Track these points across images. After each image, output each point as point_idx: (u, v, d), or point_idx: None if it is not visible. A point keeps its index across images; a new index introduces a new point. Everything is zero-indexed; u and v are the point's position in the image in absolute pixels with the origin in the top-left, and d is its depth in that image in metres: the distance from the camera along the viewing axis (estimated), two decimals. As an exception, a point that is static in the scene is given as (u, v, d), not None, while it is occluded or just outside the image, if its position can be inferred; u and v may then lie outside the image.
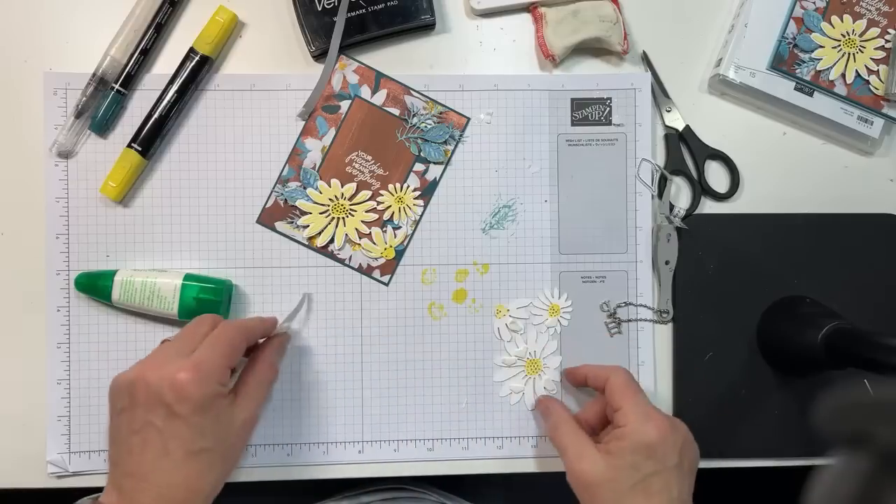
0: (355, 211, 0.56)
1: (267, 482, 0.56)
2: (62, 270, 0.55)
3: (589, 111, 0.57)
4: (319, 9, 0.55)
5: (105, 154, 0.55)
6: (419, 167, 0.57)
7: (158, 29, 0.55)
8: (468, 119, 0.57)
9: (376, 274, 0.57)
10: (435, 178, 0.57)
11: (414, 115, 0.57)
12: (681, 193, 0.59)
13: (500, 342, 0.57)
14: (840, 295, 0.57)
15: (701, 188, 0.58)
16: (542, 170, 0.57)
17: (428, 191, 0.57)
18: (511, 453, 0.57)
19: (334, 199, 0.56)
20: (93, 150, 0.55)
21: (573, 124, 0.57)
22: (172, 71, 0.54)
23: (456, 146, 0.57)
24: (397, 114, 0.57)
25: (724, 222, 0.58)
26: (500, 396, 0.57)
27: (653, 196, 0.58)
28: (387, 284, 0.56)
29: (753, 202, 0.59)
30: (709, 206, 0.59)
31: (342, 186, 0.56)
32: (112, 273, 0.53)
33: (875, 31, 0.58)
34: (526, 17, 0.58)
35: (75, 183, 0.55)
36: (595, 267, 0.57)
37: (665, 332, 0.58)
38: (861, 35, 0.58)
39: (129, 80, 0.55)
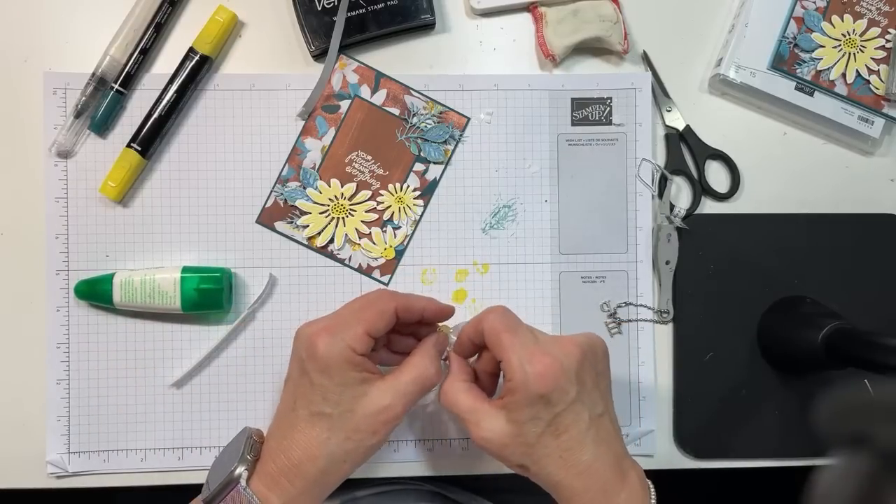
0: (355, 211, 0.56)
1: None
2: (62, 270, 0.55)
3: (589, 111, 0.57)
4: (319, 8, 0.55)
5: (104, 154, 0.55)
6: (419, 167, 0.57)
7: (158, 29, 0.55)
8: (468, 119, 0.57)
9: (376, 274, 0.56)
10: (435, 178, 0.57)
11: (414, 115, 0.57)
12: (681, 193, 0.59)
13: None
14: (840, 295, 0.57)
15: (701, 188, 0.58)
16: (542, 170, 0.57)
17: (428, 190, 0.57)
18: (511, 453, 0.57)
19: (334, 198, 0.56)
20: (92, 150, 0.55)
21: (573, 124, 0.57)
22: (172, 71, 0.54)
23: (456, 146, 0.57)
24: (397, 113, 0.57)
25: (725, 222, 0.58)
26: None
27: (653, 196, 0.58)
28: (387, 284, 0.56)
29: (753, 202, 0.59)
30: (709, 206, 0.59)
31: (342, 186, 0.56)
32: (110, 276, 0.53)
33: (875, 30, 0.58)
34: (526, 17, 0.58)
35: (75, 183, 0.55)
36: (595, 267, 0.57)
37: (665, 332, 0.58)
38: (861, 35, 0.58)
39: (129, 79, 0.55)
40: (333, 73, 0.56)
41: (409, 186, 0.57)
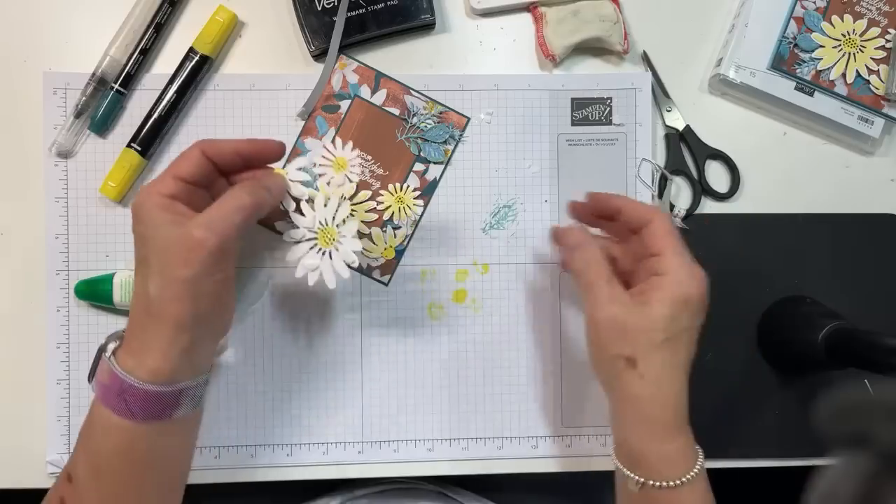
0: (355, 211, 0.56)
1: (267, 482, 0.56)
2: (62, 270, 0.55)
3: (589, 111, 0.57)
4: (319, 8, 0.55)
5: (105, 154, 0.55)
6: (419, 167, 0.57)
7: (158, 29, 0.55)
8: (468, 119, 0.57)
9: (376, 274, 0.56)
10: (435, 178, 0.57)
11: (414, 115, 0.56)
12: (681, 193, 0.59)
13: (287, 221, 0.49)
14: (840, 295, 0.57)
15: (701, 188, 0.58)
16: (542, 170, 0.57)
17: (428, 191, 0.57)
18: (511, 453, 0.57)
19: None
20: (92, 150, 0.55)
21: (573, 124, 0.57)
22: (172, 71, 0.54)
23: (456, 146, 0.57)
24: (397, 113, 0.57)
25: (725, 222, 0.58)
26: (300, 277, 0.49)
27: (653, 196, 0.58)
28: (386, 284, 0.56)
29: (753, 202, 0.59)
30: (709, 206, 0.59)
31: None
32: (110, 276, 0.53)
33: (875, 30, 0.58)
34: (526, 17, 0.58)
35: (75, 183, 0.55)
36: (595, 267, 0.57)
37: (665, 332, 0.58)
38: (861, 35, 0.58)
39: (129, 79, 0.55)
40: (333, 73, 0.56)
41: (409, 186, 0.56)
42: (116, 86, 0.54)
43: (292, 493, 0.64)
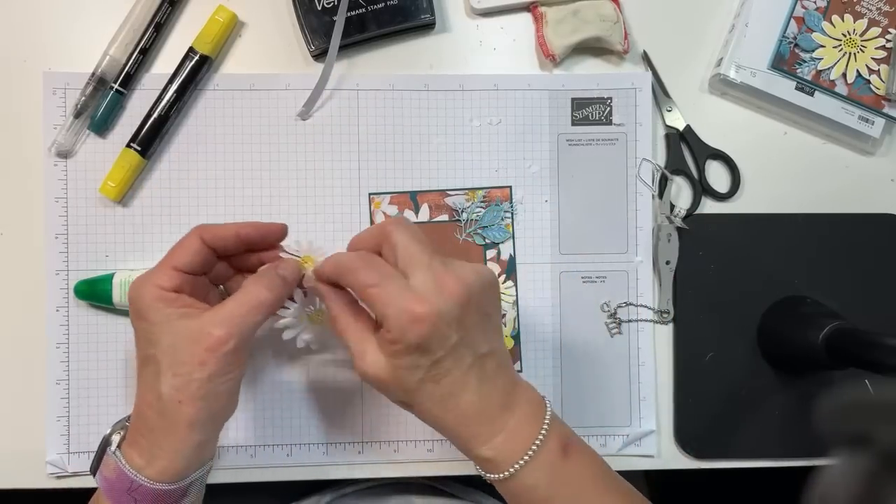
0: None
1: (266, 482, 0.56)
2: (61, 270, 0.55)
3: (589, 111, 0.57)
4: (319, 8, 0.55)
5: (104, 154, 0.55)
6: (491, 254, 0.56)
7: (158, 28, 0.55)
8: (510, 187, 0.57)
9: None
10: (511, 255, 0.56)
11: (462, 212, 0.56)
12: (681, 193, 0.58)
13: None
14: (840, 295, 0.57)
15: (701, 188, 0.58)
16: (542, 170, 0.57)
17: (510, 269, 0.56)
18: (511, 453, 0.57)
19: None
20: (92, 150, 0.55)
21: (573, 124, 0.57)
22: (172, 70, 0.54)
23: (514, 216, 0.57)
24: (447, 219, 0.56)
25: (725, 222, 0.58)
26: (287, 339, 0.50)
27: (653, 196, 0.58)
28: (520, 371, 0.56)
29: (754, 202, 0.59)
30: (709, 206, 0.59)
31: None
32: (110, 276, 0.53)
33: (876, 30, 0.58)
34: (526, 17, 0.58)
35: (74, 183, 0.55)
36: (595, 267, 0.57)
37: (665, 332, 0.58)
38: (862, 35, 0.58)
39: (129, 79, 0.55)
40: (374, 215, 0.55)
41: None
42: (116, 86, 0.54)
43: (292, 493, 0.64)
